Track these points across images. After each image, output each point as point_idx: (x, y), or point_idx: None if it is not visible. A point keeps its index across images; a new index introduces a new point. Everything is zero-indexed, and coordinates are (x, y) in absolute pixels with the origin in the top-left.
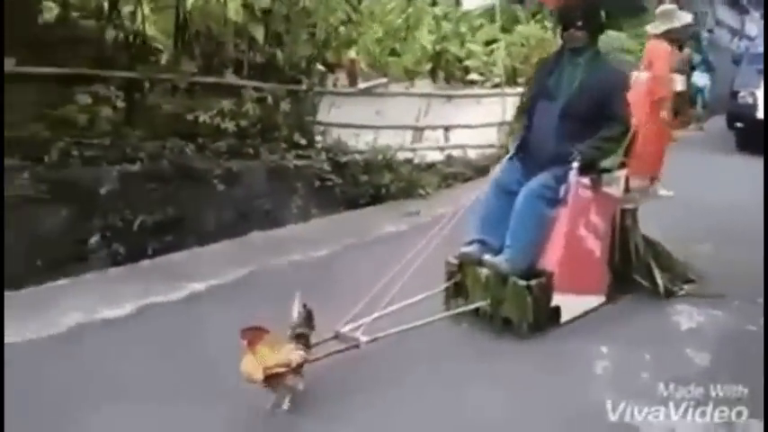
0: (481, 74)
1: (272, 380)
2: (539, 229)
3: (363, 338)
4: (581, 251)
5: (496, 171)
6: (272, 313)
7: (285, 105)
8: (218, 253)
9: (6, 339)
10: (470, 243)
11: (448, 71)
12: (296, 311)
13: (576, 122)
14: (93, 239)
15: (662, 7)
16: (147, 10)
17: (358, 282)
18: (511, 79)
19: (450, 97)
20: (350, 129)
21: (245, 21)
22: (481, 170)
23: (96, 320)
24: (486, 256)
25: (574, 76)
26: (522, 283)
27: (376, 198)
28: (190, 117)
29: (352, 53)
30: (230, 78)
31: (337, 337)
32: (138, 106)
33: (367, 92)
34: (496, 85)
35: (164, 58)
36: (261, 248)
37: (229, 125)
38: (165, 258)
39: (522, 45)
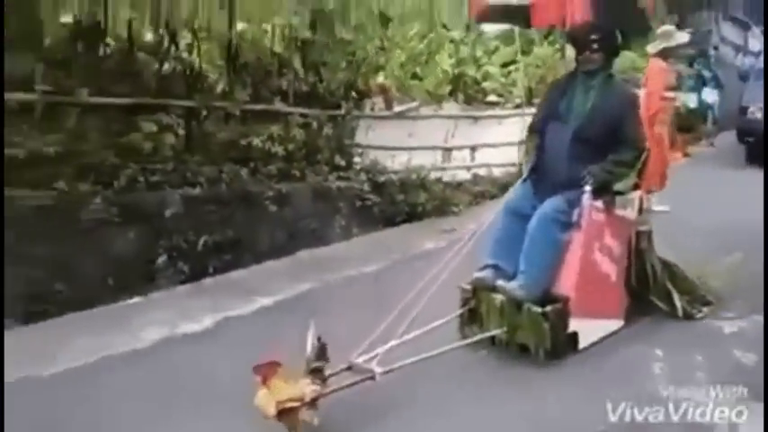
0: (500, 95)
1: (285, 414)
2: (553, 254)
3: (378, 369)
4: (596, 275)
5: (509, 194)
6: (335, 325)
7: (327, 129)
8: (275, 270)
9: (98, 353)
10: (483, 268)
11: (466, 93)
12: (310, 345)
13: (588, 146)
14: (161, 260)
15: (662, 27)
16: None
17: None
18: (528, 99)
19: (476, 118)
20: (385, 150)
21: (288, 52)
22: (506, 187)
23: (177, 335)
24: (500, 282)
25: (586, 99)
26: (538, 309)
27: (411, 216)
28: (243, 142)
29: (380, 78)
30: (278, 105)
31: (351, 368)
32: (195, 133)
33: (400, 115)
34: (518, 106)
35: (219, 88)
36: (315, 265)
37: (279, 149)
38: (225, 276)
39: (538, 66)
